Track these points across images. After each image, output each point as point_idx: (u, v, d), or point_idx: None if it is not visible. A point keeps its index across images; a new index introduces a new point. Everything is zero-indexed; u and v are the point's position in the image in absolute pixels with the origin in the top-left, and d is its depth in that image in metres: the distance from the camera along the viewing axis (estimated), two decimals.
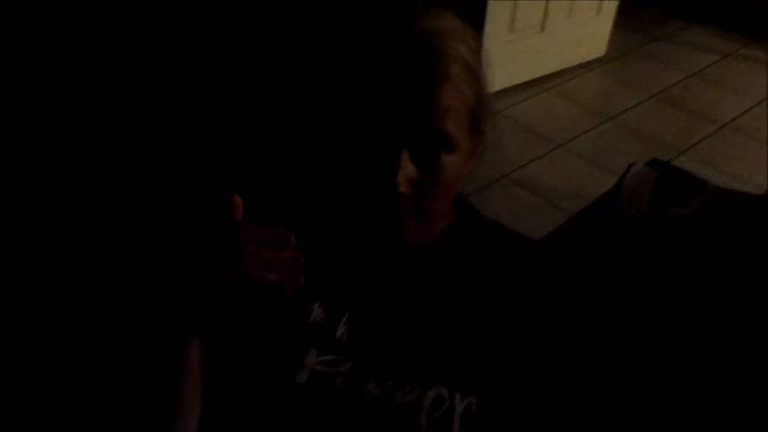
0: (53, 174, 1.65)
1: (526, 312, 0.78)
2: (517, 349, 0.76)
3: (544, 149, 2.67)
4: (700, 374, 1.09)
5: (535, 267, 0.83)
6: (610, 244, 1.27)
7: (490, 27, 2.72)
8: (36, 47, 1.61)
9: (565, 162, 2.61)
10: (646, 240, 1.24)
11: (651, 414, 1.01)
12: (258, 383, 0.74)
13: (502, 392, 0.73)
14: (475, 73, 0.73)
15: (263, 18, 1.74)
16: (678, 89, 3.10)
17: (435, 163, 0.71)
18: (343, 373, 0.74)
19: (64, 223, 1.59)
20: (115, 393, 0.83)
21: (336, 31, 0.77)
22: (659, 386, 1.04)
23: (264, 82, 1.67)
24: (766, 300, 1.16)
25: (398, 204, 0.70)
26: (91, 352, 1.23)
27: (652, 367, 1.05)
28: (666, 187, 1.40)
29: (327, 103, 0.76)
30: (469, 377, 0.73)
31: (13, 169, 1.61)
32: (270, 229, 0.61)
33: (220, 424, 0.73)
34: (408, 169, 0.69)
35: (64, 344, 1.31)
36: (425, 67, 0.68)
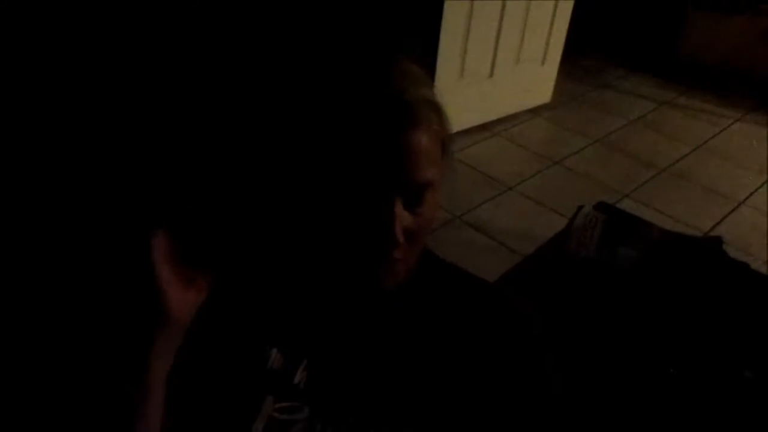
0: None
1: (484, 357, 0.77)
2: (475, 393, 0.75)
3: (494, 191, 2.72)
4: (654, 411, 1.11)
5: (495, 312, 0.83)
6: (563, 286, 1.30)
7: (440, 72, 2.79)
8: (33, 47, 1.57)
9: (514, 203, 2.67)
10: (597, 282, 1.26)
11: None
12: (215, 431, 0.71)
13: None
14: (441, 112, 0.74)
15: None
16: (620, 135, 3.23)
17: (421, 207, 0.71)
18: (301, 421, 0.72)
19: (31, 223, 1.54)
20: (77, 398, 0.79)
21: (314, 99, 0.76)
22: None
23: (254, 148, 1.66)
24: (708, 332, 1.19)
25: (394, 252, 0.70)
26: (57, 355, 1.17)
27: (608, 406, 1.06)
28: (613, 229, 1.45)
29: (319, 168, 0.74)
30: (427, 422, 0.72)
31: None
32: None
33: None
34: (404, 218, 0.69)
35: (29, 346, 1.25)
36: (406, 120, 0.69)
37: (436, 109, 0.72)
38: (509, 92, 3.16)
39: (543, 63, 3.24)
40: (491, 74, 3.04)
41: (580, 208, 1.49)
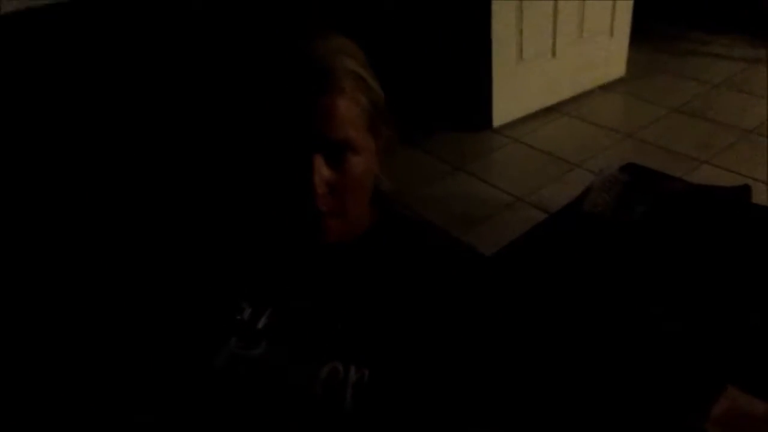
0: (55, 174, 1.78)
1: (431, 298, 0.85)
2: (415, 329, 0.83)
3: (560, 171, 2.69)
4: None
5: (450, 261, 0.90)
6: (571, 240, 1.31)
7: (497, 57, 2.80)
8: (38, 50, 1.74)
9: (579, 180, 2.62)
10: (601, 236, 1.26)
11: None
12: (177, 366, 0.84)
13: (393, 366, 0.80)
14: (365, 82, 0.85)
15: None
16: (701, 101, 3.07)
17: (344, 165, 0.81)
18: (255, 356, 0.83)
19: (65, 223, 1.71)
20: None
21: (247, 65, 0.89)
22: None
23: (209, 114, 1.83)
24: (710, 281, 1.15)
25: (317, 203, 0.81)
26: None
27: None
28: (635, 189, 1.43)
29: (249, 126, 0.88)
30: (366, 353, 0.81)
31: (15, 169, 1.74)
32: None
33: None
34: (322, 171, 0.81)
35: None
36: (323, 86, 0.80)
37: (360, 80, 0.83)
38: (576, 70, 3.10)
39: (611, 36, 3.15)
40: (553, 54, 3.00)
41: (601, 170, 1.49)
